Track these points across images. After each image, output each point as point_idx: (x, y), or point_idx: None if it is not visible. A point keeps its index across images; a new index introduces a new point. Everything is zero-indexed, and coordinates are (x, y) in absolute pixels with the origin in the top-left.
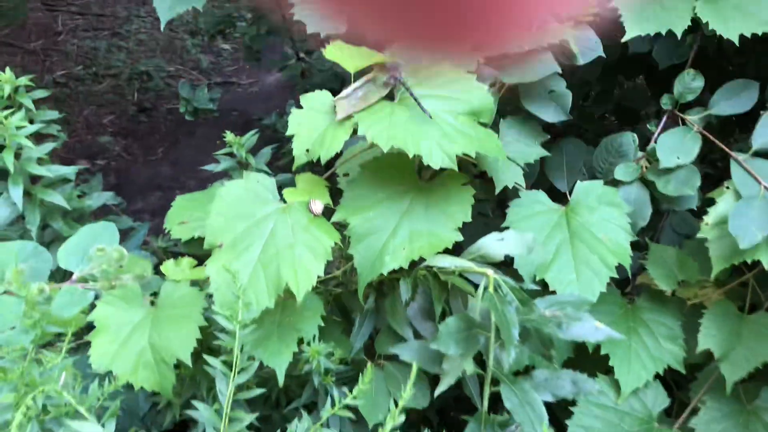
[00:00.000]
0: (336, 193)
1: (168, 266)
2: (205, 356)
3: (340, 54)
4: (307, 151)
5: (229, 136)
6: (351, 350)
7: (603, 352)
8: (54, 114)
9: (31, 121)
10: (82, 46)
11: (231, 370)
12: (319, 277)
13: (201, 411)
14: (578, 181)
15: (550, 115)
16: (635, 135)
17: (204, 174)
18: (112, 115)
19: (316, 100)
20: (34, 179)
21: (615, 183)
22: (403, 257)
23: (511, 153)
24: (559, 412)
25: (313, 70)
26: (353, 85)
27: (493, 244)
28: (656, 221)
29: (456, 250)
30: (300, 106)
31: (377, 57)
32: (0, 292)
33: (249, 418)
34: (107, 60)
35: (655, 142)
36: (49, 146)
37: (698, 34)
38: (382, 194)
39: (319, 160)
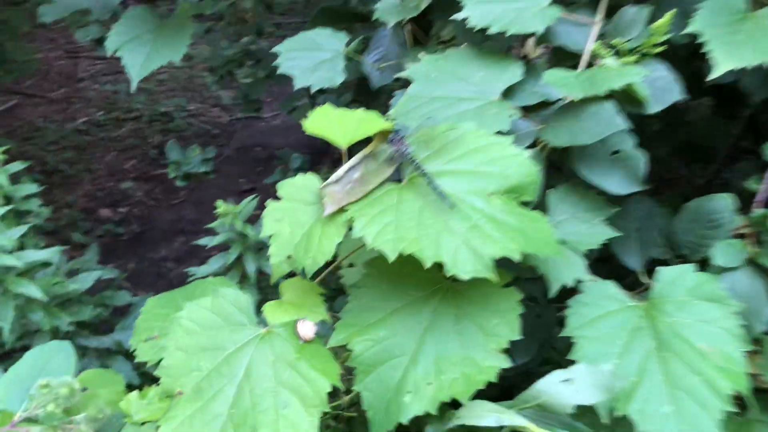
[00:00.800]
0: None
1: (131, 401)
2: None
3: (326, 123)
4: (289, 257)
5: (222, 207)
6: None
7: None
8: (33, 188)
9: (9, 200)
10: (103, 91)
11: None
12: None
13: None
14: (659, 268)
15: (616, 184)
16: (732, 198)
17: None
18: (133, 160)
19: (299, 186)
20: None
21: (706, 261)
22: (429, 398)
23: (567, 236)
24: None
25: None
26: (347, 164)
27: (558, 390)
28: None
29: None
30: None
31: (377, 122)
32: None
33: None
34: (128, 103)
35: (766, 206)
36: (21, 230)
37: None
38: (396, 303)
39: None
